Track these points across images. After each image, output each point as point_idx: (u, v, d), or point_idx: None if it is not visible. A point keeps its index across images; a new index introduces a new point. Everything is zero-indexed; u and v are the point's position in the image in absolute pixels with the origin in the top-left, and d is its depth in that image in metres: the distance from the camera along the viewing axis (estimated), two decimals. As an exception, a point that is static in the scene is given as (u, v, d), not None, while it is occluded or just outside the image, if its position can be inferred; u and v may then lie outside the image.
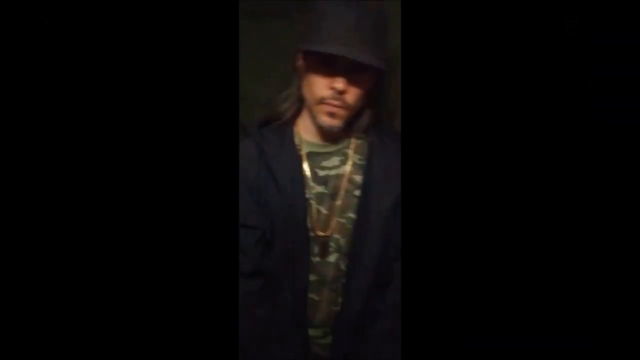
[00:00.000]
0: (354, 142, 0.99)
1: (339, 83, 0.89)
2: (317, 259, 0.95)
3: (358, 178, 0.97)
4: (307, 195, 0.95)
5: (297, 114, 0.99)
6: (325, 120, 0.93)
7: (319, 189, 0.96)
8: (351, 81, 0.90)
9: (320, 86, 0.91)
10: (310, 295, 0.95)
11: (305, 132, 0.99)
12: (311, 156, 0.98)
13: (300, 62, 0.94)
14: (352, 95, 0.92)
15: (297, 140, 0.98)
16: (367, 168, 0.97)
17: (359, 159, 0.98)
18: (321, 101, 0.92)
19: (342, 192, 0.96)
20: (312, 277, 0.95)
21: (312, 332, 0.97)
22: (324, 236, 0.95)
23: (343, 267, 0.95)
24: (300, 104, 0.98)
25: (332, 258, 0.96)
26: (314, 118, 0.95)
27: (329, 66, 0.89)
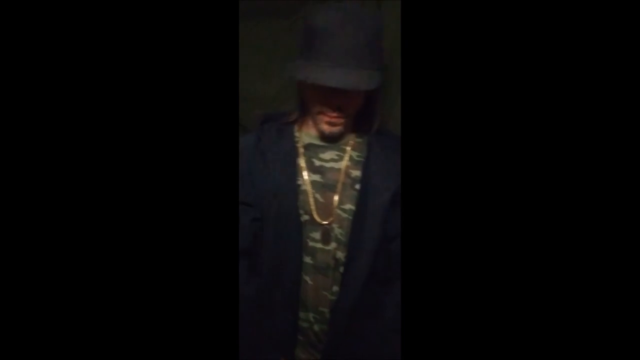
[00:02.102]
0: (352, 140, 1.01)
1: (337, 100, 0.93)
2: (319, 244, 0.97)
3: (356, 172, 0.99)
4: (300, 182, 0.98)
5: (299, 118, 1.02)
6: (326, 129, 0.98)
7: (315, 177, 0.99)
8: (348, 97, 0.94)
9: (317, 102, 0.96)
10: (305, 277, 0.97)
11: (306, 129, 1.02)
12: (309, 148, 1.01)
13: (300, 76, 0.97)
14: (351, 107, 0.96)
15: (296, 134, 1.02)
16: (365, 164, 0.99)
17: (357, 156, 1.01)
18: (320, 112, 0.96)
19: (339, 185, 0.98)
20: (307, 260, 0.97)
21: (303, 314, 0.98)
22: (326, 224, 0.97)
23: (340, 256, 0.96)
24: (303, 111, 1.02)
25: (330, 246, 0.97)
26: (315, 124, 1.00)
27: (325, 87, 0.92)
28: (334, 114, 0.95)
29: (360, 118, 1.00)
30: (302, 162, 0.99)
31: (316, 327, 0.97)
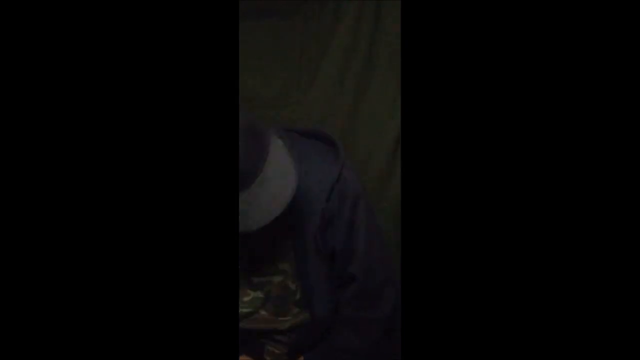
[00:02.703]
0: None
1: None
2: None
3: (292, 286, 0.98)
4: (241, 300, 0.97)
5: None
6: None
7: (257, 294, 0.98)
8: None
9: None
10: (260, 310, 0.98)
11: None
12: None
13: None
14: None
15: None
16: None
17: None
18: None
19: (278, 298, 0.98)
20: (258, 295, 0.97)
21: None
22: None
23: (291, 286, 0.97)
24: None
25: (275, 279, 0.97)
26: None
27: None
28: None
29: None
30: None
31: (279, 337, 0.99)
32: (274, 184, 0.83)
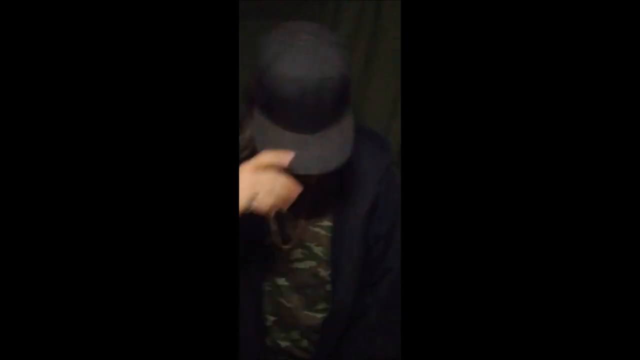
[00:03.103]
0: (320, 234, 0.95)
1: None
2: (293, 264, 0.93)
3: (322, 272, 0.94)
4: (264, 287, 0.94)
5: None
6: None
7: (280, 281, 0.94)
8: None
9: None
10: (280, 299, 0.94)
11: None
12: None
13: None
14: None
15: None
16: (338, 175, 0.90)
17: (323, 253, 0.94)
18: None
19: (306, 287, 0.94)
20: (280, 282, 0.94)
21: (282, 335, 0.96)
22: (287, 249, 0.93)
23: (324, 274, 0.93)
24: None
25: (303, 265, 0.93)
26: None
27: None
28: None
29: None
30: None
31: (304, 343, 0.95)
32: (345, 134, 0.81)
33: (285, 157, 0.77)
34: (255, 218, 0.82)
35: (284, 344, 0.96)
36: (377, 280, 0.95)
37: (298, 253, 0.94)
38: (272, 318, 0.96)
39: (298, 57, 0.77)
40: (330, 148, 0.79)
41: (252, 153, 0.82)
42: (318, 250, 0.93)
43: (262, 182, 0.77)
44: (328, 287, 0.93)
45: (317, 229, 0.93)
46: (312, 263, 0.94)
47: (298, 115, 0.78)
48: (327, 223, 0.93)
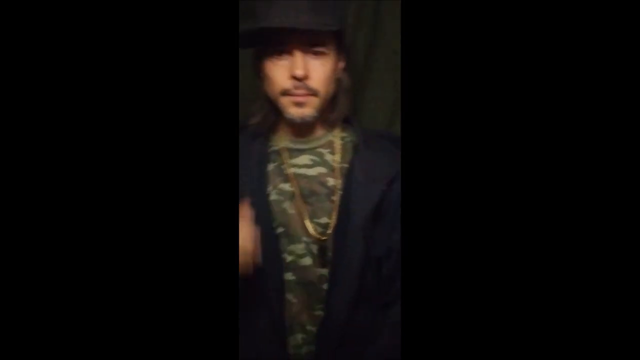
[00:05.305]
0: (333, 140, 0.92)
1: (298, 69, 0.82)
2: (300, 260, 0.88)
3: (332, 181, 0.90)
4: (269, 192, 0.89)
5: (275, 120, 0.92)
6: (294, 112, 0.85)
7: (285, 186, 0.90)
8: (311, 64, 0.84)
9: (278, 78, 0.85)
10: (287, 295, 0.88)
11: (282, 130, 0.92)
12: (281, 152, 0.91)
13: (255, 60, 0.87)
14: (316, 80, 0.85)
15: (271, 140, 0.93)
16: (348, 171, 0.90)
17: (337, 161, 0.91)
18: (284, 93, 0.85)
19: (313, 194, 0.89)
20: (288, 277, 0.88)
21: (290, 338, 0.89)
22: (321, 240, 0.88)
23: (324, 272, 0.88)
24: (274, 114, 0.90)
25: (306, 261, 0.89)
26: (284, 115, 0.87)
27: (282, 51, 0.83)
28: (300, 92, 0.83)
29: (335, 107, 0.91)
30: (271, 168, 0.90)
31: (304, 349, 0.90)
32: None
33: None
34: None
35: (289, 349, 0.90)
36: (391, 303, 0.89)
37: (306, 159, 0.91)
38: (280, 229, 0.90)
39: None
40: (318, 18, 0.80)
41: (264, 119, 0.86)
42: (314, 248, 0.89)
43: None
44: (325, 286, 0.88)
45: (313, 225, 0.89)
46: (322, 170, 0.90)
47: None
48: (325, 220, 0.89)
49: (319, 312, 0.89)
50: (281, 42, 0.83)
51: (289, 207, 0.89)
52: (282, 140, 0.92)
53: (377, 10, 1.16)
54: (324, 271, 0.88)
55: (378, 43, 1.17)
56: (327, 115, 0.91)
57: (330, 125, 0.93)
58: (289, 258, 0.88)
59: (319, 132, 0.92)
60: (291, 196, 0.89)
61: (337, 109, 0.91)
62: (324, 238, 0.87)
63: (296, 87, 0.84)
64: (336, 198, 0.89)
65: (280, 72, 0.85)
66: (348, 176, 0.90)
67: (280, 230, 0.89)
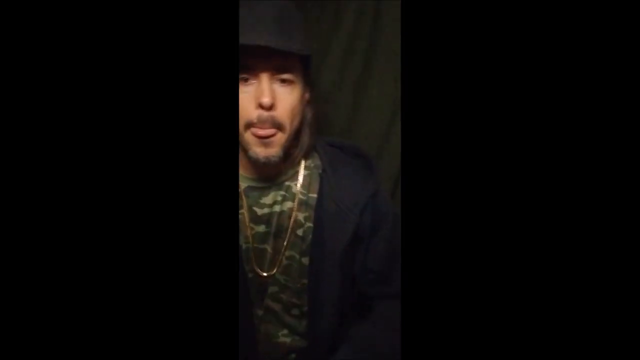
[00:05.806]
0: (299, 174, 0.90)
1: (265, 97, 0.77)
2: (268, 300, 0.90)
3: (301, 216, 0.89)
4: (243, 238, 0.87)
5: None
6: (259, 152, 0.81)
7: (259, 228, 0.88)
8: (278, 92, 0.79)
9: (243, 108, 0.79)
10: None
11: (243, 169, 0.88)
12: (248, 192, 0.88)
13: None
14: (282, 111, 0.80)
15: None
16: (317, 203, 0.88)
17: (302, 194, 0.89)
18: (249, 126, 0.80)
19: (286, 231, 0.88)
20: (259, 313, 0.90)
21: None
22: (264, 277, 0.89)
23: (295, 301, 0.90)
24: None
25: (274, 292, 0.90)
26: (246, 152, 0.82)
27: (247, 78, 0.79)
28: (266, 125, 0.78)
29: (298, 142, 0.87)
30: (244, 210, 0.87)
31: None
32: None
33: None
34: None
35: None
36: (366, 314, 0.92)
37: (277, 195, 0.88)
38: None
39: None
40: (288, 41, 0.77)
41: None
42: (282, 278, 0.89)
43: None
44: (304, 321, 0.90)
45: (286, 261, 0.90)
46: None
47: (260, 20, 0.78)
48: (292, 253, 0.89)
49: (287, 340, 0.91)
50: (248, 66, 0.78)
51: (269, 247, 0.89)
52: (247, 180, 0.89)
53: (377, 10, 1.16)
54: (295, 300, 0.89)
55: (378, 43, 1.17)
56: (291, 151, 0.87)
57: (292, 162, 0.89)
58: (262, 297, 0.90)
59: (281, 166, 0.88)
60: (270, 236, 0.89)
61: (300, 145, 0.87)
62: (264, 274, 0.88)
63: (261, 120, 0.79)
64: (301, 232, 0.88)
65: (246, 101, 0.79)
66: (317, 210, 0.88)
67: (250, 275, 0.89)
